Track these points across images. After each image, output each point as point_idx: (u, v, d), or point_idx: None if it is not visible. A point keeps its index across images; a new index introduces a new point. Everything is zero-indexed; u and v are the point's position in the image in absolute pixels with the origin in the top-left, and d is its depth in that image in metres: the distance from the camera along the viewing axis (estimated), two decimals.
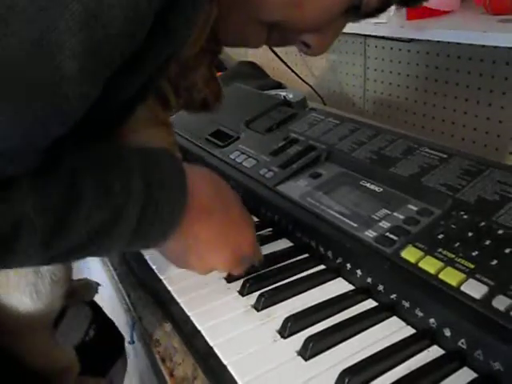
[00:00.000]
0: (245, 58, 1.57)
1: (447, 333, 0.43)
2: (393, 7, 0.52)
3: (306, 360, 0.44)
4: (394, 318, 0.48)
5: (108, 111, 0.39)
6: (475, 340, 0.41)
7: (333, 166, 0.67)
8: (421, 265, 0.47)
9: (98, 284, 0.68)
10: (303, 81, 1.34)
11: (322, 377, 0.42)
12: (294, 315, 0.48)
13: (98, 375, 0.63)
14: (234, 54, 1.66)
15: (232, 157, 0.76)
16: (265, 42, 0.50)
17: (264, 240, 0.62)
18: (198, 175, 0.46)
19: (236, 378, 0.43)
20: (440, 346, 0.44)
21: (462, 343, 0.42)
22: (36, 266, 0.45)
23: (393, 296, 0.49)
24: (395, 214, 0.55)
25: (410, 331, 0.46)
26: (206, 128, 0.86)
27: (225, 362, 0.44)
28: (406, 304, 0.47)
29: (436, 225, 0.51)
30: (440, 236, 0.50)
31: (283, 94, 1.15)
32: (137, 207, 0.38)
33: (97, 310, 0.67)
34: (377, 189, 0.60)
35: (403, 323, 0.47)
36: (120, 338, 0.67)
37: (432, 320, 0.45)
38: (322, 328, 0.47)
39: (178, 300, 0.53)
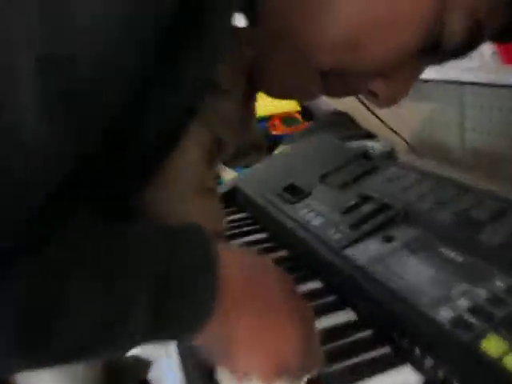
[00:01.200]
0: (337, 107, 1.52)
1: None
2: (486, 47, 0.43)
3: None
4: None
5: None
6: None
7: (409, 229, 0.59)
8: (505, 361, 0.38)
9: (150, 361, 0.64)
10: (393, 131, 1.26)
11: None
12: None
13: None
14: (325, 104, 1.62)
15: (301, 214, 0.70)
16: (321, 91, 0.44)
17: (325, 308, 0.55)
18: (235, 258, 0.39)
19: None
20: None
21: None
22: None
23: None
24: (477, 290, 0.46)
25: None
26: (282, 182, 0.82)
27: None
28: None
29: None
30: None
31: (370, 144, 1.08)
32: (152, 298, 0.33)
33: None
34: (458, 258, 0.51)
35: None
36: None
37: None
38: None
39: None
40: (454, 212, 0.57)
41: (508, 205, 0.54)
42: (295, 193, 0.77)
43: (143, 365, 0.62)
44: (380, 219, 0.61)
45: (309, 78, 0.42)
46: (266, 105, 1.53)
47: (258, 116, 1.57)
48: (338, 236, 0.61)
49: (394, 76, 0.41)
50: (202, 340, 0.37)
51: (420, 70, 0.43)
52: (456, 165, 1.10)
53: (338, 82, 0.42)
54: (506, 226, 0.51)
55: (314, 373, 0.42)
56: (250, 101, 0.46)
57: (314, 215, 0.68)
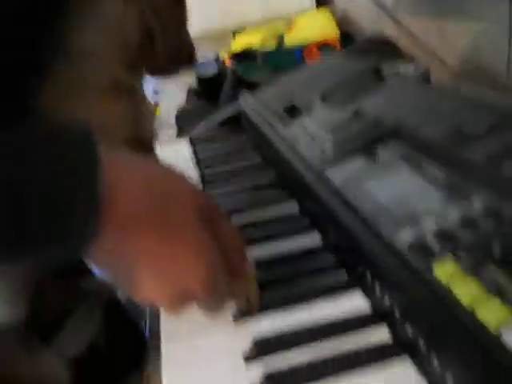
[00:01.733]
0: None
1: None
2: None
3: None
4: (407, 365, 0.33)
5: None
6: None
7: (395, 145, 0.51)
8: (454, 289, 0.31)
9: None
10: (431, 54, 1.13)
11: None
12: (265, 337, 0.36)
13: None
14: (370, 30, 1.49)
15: (292, 134, 0.63)
16: None
17: (294, 232, 0.50)
18: (133, 168, 0.33)
19: None
20: None
21: None
22: None
23: (410, 331, 0.33)
24: (450, 210, 0.38)
25: None
26: (284, 102, 0.75)
27: None
28: (423, 347, 0.31)
29: (499, 230, 0.34)
30: (499, 248, 0.32)
31: (402, 67, 0.97)
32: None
33: (113, 310, 0.60)
34: (439, 175, 0.43)
35: (416, 374, 0.32)
36: (141, 344, 0.59)
37: (449, 376, 0.29)
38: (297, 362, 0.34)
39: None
40: (448, 125, 0.48)
41: (506, 119, 0.45)
42: (294, 113, 0.70)
43: (107, 287, 0.59)
44: (367, 136, 0.53)
45: None
46: (302, 33, 1.43)
47: (293, 45, 1.49)
48: (320, 156, 0.55)
49: None
50: (103, 262, 0.34)
51: None
52: (501, 88, 0.97)
53: None
54: (500, 140, 0.42)
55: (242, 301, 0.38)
56: None
57: (305, 135, 0.61)
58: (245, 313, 0.39)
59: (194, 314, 0.36)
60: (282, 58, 1.37)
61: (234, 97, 1.09)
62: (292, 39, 1.42)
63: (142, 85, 0.45)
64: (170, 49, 0.43)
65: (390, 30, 1.33)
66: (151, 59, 0.43)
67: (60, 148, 0.30)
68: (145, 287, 0.33)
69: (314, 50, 1.39)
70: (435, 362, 0.30)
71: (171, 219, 0.33)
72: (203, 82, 1.12)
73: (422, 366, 0.31)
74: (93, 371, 0.53)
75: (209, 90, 1.14)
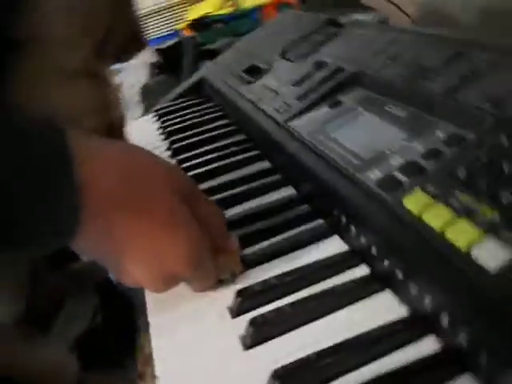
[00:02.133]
0: None
1: (445, 322, 0.28)
2: None
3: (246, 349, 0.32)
4: (385, 295, 0.33)
5: None
6: (485, 339, 0.26)
7: (358, 91, 0.51)
8: (425, 217, 0.32)
9: None
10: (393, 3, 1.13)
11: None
12: (249, 288, 0.36)
13: (112, 366, 0.56)
14: None
15: (255, 93, 0.63)
16: None
17: (269, 187, 0.50)
18: (105, 156, 0.32)
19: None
20: (438, 337, 0.29)
21: (464, 338, 0.27)
22: None
23: (386, 263, 0.34)
24: (415, 145, 0.39)
25: (401, 313, 0.31)
26: (243, 64, 0.74)
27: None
28: (401, 277, 0.32)
29: (463, 156, 0.34)
30: (464, 173, 0.33)
31: (360, 17, 0.97)
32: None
33: (107, 288, 0.60)
34: (401, 113, 0.44)
35: (395, 302, 0.33)
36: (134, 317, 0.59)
37: (427, 300, 0.30)
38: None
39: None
40: (406, 64, 0.48)
41: (464, 46, 0.45)
42: (254, 73, 0.69)
43: (100, 268, 0.59)
44: (329, 85, 0.53)
45: None
46: None
47: (246, 7, 1.46)
48: (283, 109, 0.55)
49: None
50: (87, 249, 0.33)
51: None
52: (456, 28, 0.97)
53: None
54: (456, 70, 0.43)
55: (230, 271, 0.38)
56: None
57: (268, 92, 0.61)
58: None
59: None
60: (240, 22, 1.35)
61: (195, 66, 1.08)
62: (248, 1, 1.40)
63: (109, 70, 0.43)
64: (125, 32, 0.42)
65: None
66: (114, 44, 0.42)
67: (28, 141, 0.29)
68: (129, 270, 0.33)
69: (272, 10, 1.38)
70: (413, 289, 0.31)
71: (149, 199, 0.33)
72: (163, 53, 1.10)
73: (402, 295, 0.32)
74: (94, 349, 0.54)
75: (170, 62, 1.12)
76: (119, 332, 0.58)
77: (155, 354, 0.35)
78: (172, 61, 1.11)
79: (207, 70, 0.85)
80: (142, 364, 0.49)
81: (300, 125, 0.51)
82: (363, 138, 0.43)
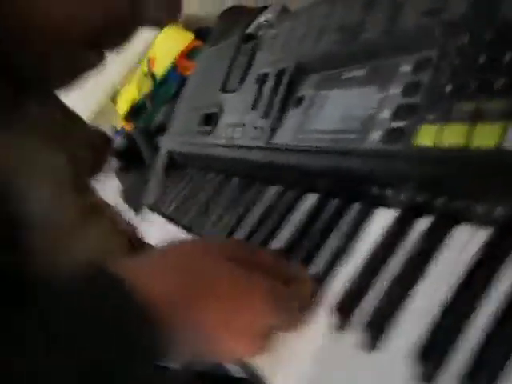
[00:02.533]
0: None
1: None
2: None
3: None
4: (461, 229, 0.33)
5: None
6: None
7: (309, 79, 0.52)
8: (443, 144, 0.32)
9: None
10: None
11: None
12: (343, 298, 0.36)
13: None
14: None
15: (224, 136, 0.64)
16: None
17: (290, 205, 0.50)
18: (154, 266, 0.34)
19: None
20: None
21: None
22: None
23: (439, 202, 0.34)
24: (390, 91, 0.40)
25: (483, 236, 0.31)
26: (194, 119, 0.75)
27: None
28: (458, 204, 0.33)
29: (440, 72, 0.35)
30: (451, 86, 0.34)
31: (261, 19, 0.99)
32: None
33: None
34: (360, 73, 0.45)
35: (473, 230, 0.33)
36: None
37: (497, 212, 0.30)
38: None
39: None
40: (336, 30, 0.49)
41: None
42: (210, 120, 0.70)
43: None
44: (282, 89, 0.55)
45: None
46: (164, 56, 1.43)
47: (162, 73, 1.48)
48: (258, 134, 0.55)
49: None
50: (182, 352, 0.34)
51: None
52: None
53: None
54: (379, 11, 0.44)
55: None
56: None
57: (234, 129, 0.62)
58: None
59: None
60: (165, 88, 1.37)
61: (154, 149, 1.09)
62: (161, 67, 1.42)
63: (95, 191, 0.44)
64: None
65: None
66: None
67: (93, 296, 0.30)
68: (230, 348, 0.34)
69: (185, 61, 1.40)
70: (480, 209, 0.31)
71: (209, 282, 0.34)
72: (122, 155, 1.11)
73: (474, 221, 0.33)
74: None
75: (131, 159, 1.14)
76: None
77: None
78: (132, 157, 1.13)
79: (166, 145, 0.86)
80: None
81: (282, 137, 0.51)
82: (343, 114, 0.44)
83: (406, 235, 0.36)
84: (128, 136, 1.11)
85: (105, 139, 0.45)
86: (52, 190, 0.37)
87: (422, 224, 0.36)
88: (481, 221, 0.32)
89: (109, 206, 0.45)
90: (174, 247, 0.37)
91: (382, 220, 0.39)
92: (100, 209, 0.42)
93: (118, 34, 0.37)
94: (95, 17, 0.33)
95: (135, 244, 0.45)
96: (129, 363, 0.30)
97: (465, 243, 0.32)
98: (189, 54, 1.38)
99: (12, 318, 0.27)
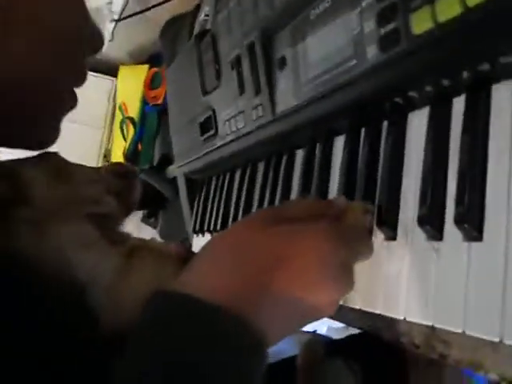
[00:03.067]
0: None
1: None
2: None
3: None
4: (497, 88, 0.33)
5: None
6: None
7: (280, 37, 0.51)
8: (441, 18, 0.32)
9: None
10: None
11: None
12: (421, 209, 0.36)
13: None
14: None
15: (228, 132, 0.64)
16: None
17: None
18: (209, 265, 0.33)
19: None
20: None
21: None
22: None
23: (465, 75, 0.34)
24: (363, 3, 0.39)
25: None
26: (194, 134, 0.75)
27: None
28: (485, 66, 0.32)
29: None
30: None
31: (202, 16, 0.98)
32: None
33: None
34: (325, 4, 0.44)
35: (507, 83, 0.32)
36: None
37: None
38: None
39: None
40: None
41: None
42: (209, 125, 0.70)
43: None
44: (261, 59, 0.54)
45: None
46: (129, 96, 1.44)
47: (138, 108, 1.48)
48: (261, 111, 0.55)
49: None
50: (279, 334, 0.33)
51: None
52: None
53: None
54: None
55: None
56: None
57: (235, 120, 0.62)
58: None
59: None
60: (147, 126, 1.38)
61: (168, 182, 1.09)
62: (134, 108, 1.43)
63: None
64: None
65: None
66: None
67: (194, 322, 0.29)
68: (321, 299, 0.33)
69: (150, 91, 1.39)
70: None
71: (264, 252, 0.32)
72: (142, 202, 1.12)
73: None
74: None
75: (152, 202, 1.15)
76: None
77: None
78: (153, 199, 1.13)
79: (179, 170, 0.86)
80: None
81: (284, 102, 0.51)
82: (331, 49, 0.44)
83: (449, 122, 0.36)
84: (141, 181, 1.12)
85: (128, 175, 0.45)
86: (93, 254, 0.38)
87: (459, 104, 0.35)
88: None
89: (148, 240, 0.45)
90: (216, 241, 0.35)
91: (417, 123, 0.39)
92: (140, 247, 0.42)
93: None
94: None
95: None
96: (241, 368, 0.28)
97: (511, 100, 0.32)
98: (151, 83, 1.38)
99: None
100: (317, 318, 0.34)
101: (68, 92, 0.40)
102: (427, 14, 0.33)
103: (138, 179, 0.48)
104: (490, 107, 0.33)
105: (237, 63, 0.59)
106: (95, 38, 0.40)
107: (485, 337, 0.31)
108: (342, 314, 0.44)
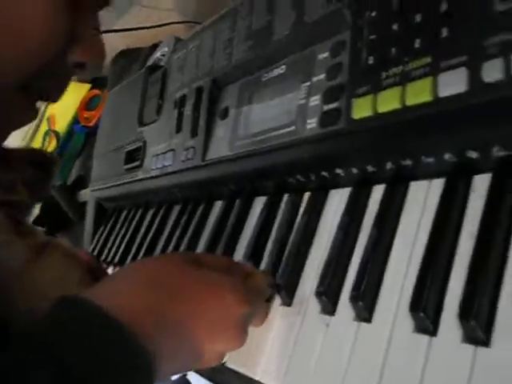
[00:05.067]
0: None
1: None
2: None
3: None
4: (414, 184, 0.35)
5: None
6: None
7: (229, 89, 0.53)
8: (380, 110, 0.34)
9: None
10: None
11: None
12: (321, 282, 0.37)
13: None
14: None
15: (153, 167, 0.63)
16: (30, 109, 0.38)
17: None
18: (120, 285, 0.33)
19: None
20: None
21: None
22: None
23: (388, 166, 0.36)
24: (314, 79, 0.41)
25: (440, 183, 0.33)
26: (118, 161, 0.74)
27: None
28: (408, 162, 0.34)
29: (359, 51, 0.37)
30: (373, 59, 0.36)
31: (158, 52, 0.99)
32: None
33: None
34: (279, 71, 0.46)
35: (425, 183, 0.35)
36: None
37: (448, 155, 0.32)
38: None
39: None
40: (238, 42, 0.51)
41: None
42: (134, 156, 0.69)
43: None
44: (205, 105, 0.55)
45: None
46: (62, 113, 1.40)
47: (67, 124, 1.44)
48: (191, 154, 0.55)
49: (81, 39, 0.36)
50: (168, 369, 0.33)
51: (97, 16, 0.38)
52: None
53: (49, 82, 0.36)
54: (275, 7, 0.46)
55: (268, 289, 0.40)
56: None
57: (163, 157, 0.61)
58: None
59: None
60: (71, 144, 1.34)
61: (77, 205, 1.05)
62: (62, 123, 1.39)
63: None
64: None
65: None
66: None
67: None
68: (213, 347, 0.34)
69: (85, 112, 1.37)
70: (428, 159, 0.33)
71: (177, 288, 0.33)
72: (44, 219, 1.06)
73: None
74: None
75: (54, 221, 1.09)
76: None
77: None
78: (56, 218, 1.08)
79: (92, 194, 0.83)
80: None
81: (217, 150, 0.52)
82: (274, 113, 0.45)
83: (365, 206, 0.37)
84: (47, 198, 1.06)
85: (44, 159, 0.43)
86: None
87: (378, 192, 0.37)
88: (432, 173, 0.34)
89: (60, 243, 0.43)
90: (135, 265, 0.37)
91: (337, 201, 0.41)
92: (51, 245, 0.41)
93: (50, 81, 0.36)
94: (29, 59, 0.32)
95: (98, 274, 0.43)
96: None
97: (424, 198, 0.34)
98: (88, 104, 1.36)
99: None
100: (200, 365, 0.35)
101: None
102: (369, 102, 0.35)
103: (55, 171, 0.46)
104: (405, 200, 0.35)
105: (181, 102, 0.59)
106: None
107: None
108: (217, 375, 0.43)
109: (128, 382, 0.28)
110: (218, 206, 0.54)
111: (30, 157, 0.44)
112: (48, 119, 1.40)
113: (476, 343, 0.27)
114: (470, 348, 0.27)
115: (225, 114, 0.52)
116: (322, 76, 0.40)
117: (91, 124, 1.29)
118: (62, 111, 1.39)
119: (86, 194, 0.96)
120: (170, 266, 0.35)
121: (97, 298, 0.29)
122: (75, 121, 1.36)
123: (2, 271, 0.37)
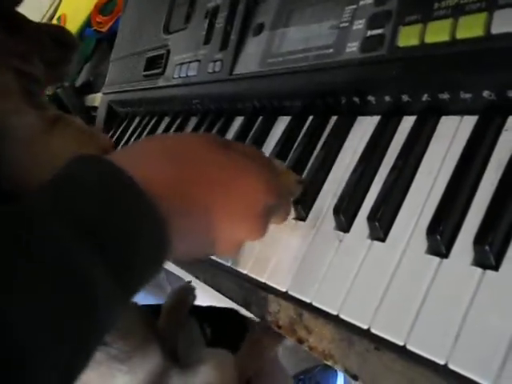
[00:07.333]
0: None
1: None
2: None
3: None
4: (445, 119, 0.36)
5: None
6: None
7: (267, 4, 0.52)
8: (427, 40, 0.35)
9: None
10: None
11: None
12: (340, 200, 0.38)
13: None
14: None
15: (175, 76, 0.63)
16: None
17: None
18: (145, 158, 0.31)
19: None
20: None
21: None
22: None
23: (424, 97, 0.37)
24: (361, 2, 0.41)
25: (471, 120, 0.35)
26: (137, 66, 0.73)
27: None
28: (445, 95, 0.35)
29: None
30: None
31: None
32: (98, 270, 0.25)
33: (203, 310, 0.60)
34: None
35: (456, 118, 0.36)
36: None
37: (487, 93, 0.33)
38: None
39: None
40: None
41: None
42: (156, 63, 0.68)
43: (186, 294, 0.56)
44: (239, 19, 0.54)
45: None
46: (73, 11, 1.36)
47: (78, 27, 1.40)
48: (218, 66, 0.55)
49: None
50: (181, 246, 0.31)
51: None
52: None
53: None
54: None
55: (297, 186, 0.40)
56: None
57: (187, 66, 0.61)
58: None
59: None
60: (81, 47, 1.31)
61: (84, 108, 1.04)
62: (73, 25, 1.35)
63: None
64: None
65: None
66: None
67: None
68: (231, 233, 0.33)
69: (98, 16, 1.33)
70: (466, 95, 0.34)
71: (203, 166, 0.32)
72: None
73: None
74: None
75: None
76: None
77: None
78: None
79: (104, 97, 0.83)
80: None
81: (245, 66, 0.52)
82: (313, 32, 0.45)
83: (393, 135, 0.38)
84: (54, 97, 1.05)
85: (64, 36, 0.43)
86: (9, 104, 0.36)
87: (407, 123, 0.38)
88: (466, 109, 0.35)
89: (74, 119, 0.43)
90: (155, 138, 0.34)
91: (364, 127, 0.42)
92: (64, 119, 0.40)
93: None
94: None
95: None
96: (136, 258, 0.27)
97: (453, 133, 0.35)
98: (102, 8, 1.32)
99: None
100: (216, 251, 0.33)
101: None
102: (417, 31, 0.35)
103: (74, 54, 0.45)
104: (434, 134, 0.36)
105: (213, 13, 0.58)
106: None
107: (354, 322, 0.33)
108: (219, 281, 0.45)
109: (146, 246, 0.27)
110: (239, 121, 0.55)
111: (50, 30, 0.43)
112: (58, 19, 1.36)
113: (485, 268, 0.29)
114: (478, 270, 0.29)
115: (259, 30, 0.52)
116: (370, 0, 0.40)
117: (104, 30, 1.26)
118: (73, 12, 1.35)
119: (94, 99, 0.95)
120: (194, 144, 0.33)
121: (118, 161, 0.28)
122: (87, 24, 1.32)
123: (12, 139, 0.36)
